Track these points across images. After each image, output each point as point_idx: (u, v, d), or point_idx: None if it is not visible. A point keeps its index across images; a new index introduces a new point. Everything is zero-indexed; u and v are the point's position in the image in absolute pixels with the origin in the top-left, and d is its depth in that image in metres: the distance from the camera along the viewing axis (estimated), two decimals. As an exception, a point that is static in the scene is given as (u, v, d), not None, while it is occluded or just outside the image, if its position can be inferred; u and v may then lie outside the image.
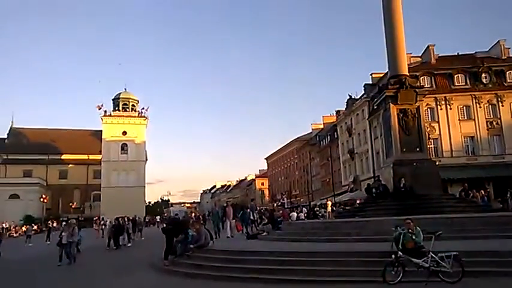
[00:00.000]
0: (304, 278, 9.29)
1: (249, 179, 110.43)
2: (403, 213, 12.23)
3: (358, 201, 27.50)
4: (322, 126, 67.94)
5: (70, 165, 78.30)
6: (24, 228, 44.57)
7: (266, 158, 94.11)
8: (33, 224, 46.94)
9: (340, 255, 10.13)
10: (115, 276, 12.36)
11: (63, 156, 78.65)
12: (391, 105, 17.21)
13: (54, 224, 43.27)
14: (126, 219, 24.81)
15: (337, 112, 60.00)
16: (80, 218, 66.14)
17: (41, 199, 64.18)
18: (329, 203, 30.70)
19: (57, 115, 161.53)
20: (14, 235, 46.83)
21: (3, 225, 51.28)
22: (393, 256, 8.19)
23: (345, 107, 54.24)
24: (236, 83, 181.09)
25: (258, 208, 36.58)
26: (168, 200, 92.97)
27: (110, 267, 14.67)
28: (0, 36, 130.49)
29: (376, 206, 16.50)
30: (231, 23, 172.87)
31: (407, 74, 18.35)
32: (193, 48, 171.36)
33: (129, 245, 22.46)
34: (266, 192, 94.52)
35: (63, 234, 16.06)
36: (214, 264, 11.44)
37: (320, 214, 26.82)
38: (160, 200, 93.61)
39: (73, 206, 73.21)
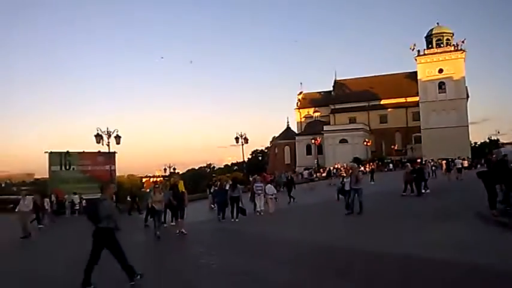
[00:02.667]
0: None
1: None
2: None
3: None
4: None
5: (389, 110, 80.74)
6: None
7: None
8: (360, 165, 51.54)
9: None
10: (435, 223, 11.54)
11: (382, 102, 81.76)
12: None
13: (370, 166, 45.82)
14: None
15: None
16: (402, 160, 68.12)
17: (365, 143, 69.69)
18: None
19: (372, 62, 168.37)
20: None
21: (336, 165, 58.79)
22: None
23: None
24: None
25: None
26: (498, 140, 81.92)
27: (422, 214, 13.56)
28: None
29: None
30: None
31: None
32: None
33: (428, 190, 19.67)
34: None
35: (345, 180, 14.88)
36: None
37: None
38: (487, 140, 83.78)
39: (395, 149, 75.82)
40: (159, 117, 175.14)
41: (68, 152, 30.04)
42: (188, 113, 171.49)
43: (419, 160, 42.93)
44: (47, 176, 31.29)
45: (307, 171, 45.08)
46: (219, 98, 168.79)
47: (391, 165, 59.30)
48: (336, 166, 57.66)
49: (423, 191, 19.29)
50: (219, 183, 21.09)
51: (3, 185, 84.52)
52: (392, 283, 6.31)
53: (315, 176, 41.69)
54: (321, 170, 57.70)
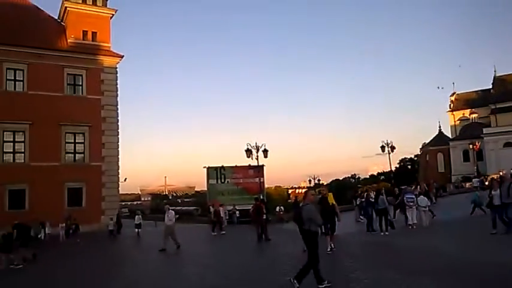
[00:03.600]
0: None
1: None
2: None
3: None
4: None
5: None
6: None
7: None
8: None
9: None
10: None
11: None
12: None
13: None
14: None
15: None
16: None
17: (538, 145, 59.84)
18: None
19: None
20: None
21: (501, 173, 51.81)
22: None
23: None
24: None
25: None
26: None
27: None
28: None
29: None
30: None
31: None
32: None
33: None
34: None
35: (492, 192, 12.53)
36: None
37: None
38: None
39: None
40: (303, 129, 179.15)
41: (222, 166, 32.77)
42: (331, 123, 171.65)
43: None
44: (206, 189, 34.65)
45: (477, 179, 44.77)
46: (362, 106, 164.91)
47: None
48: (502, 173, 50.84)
49: None
50: (365, 194, 20.53)
51: (170, 197, 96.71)
52: None
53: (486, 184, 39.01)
54: (483, 178, 51.65)
